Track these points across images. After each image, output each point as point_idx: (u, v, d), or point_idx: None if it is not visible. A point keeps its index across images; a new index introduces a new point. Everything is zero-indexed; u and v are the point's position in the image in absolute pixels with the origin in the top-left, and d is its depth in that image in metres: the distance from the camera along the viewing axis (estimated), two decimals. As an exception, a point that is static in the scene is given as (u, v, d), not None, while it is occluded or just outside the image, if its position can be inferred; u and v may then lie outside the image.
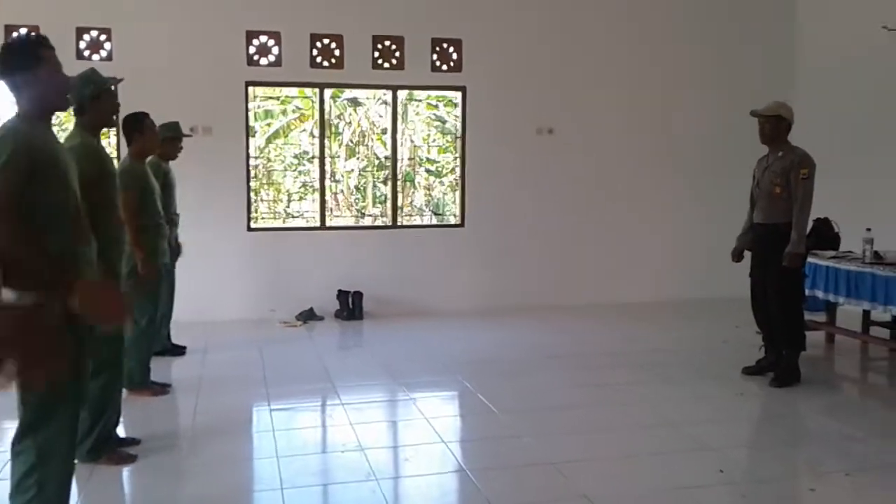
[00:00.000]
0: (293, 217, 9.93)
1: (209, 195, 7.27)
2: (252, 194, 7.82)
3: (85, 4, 7.13)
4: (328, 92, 8.08)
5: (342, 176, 11.39)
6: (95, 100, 3.74)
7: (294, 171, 11.41)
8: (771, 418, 4.93)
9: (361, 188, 11.96)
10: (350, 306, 7.62)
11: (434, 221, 8.65)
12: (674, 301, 8.32)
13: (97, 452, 3.81)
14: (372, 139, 11.78)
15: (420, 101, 10.72)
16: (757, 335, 5.82)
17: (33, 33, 2.93)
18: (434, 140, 11.97)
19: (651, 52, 8.31)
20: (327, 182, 8.14)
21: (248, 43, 7.45)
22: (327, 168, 8.14)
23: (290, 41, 7.50)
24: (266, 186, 7.76)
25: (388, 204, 8.39)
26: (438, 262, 8.02)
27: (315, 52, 7.59)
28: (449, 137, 11.09)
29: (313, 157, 10.31)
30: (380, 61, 7.74)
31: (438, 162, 11.78)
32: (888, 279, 5.41)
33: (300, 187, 11.72)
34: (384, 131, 11.36)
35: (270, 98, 10.04)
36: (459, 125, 8.19)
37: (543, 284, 8.18)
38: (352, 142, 11.93)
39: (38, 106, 2.63)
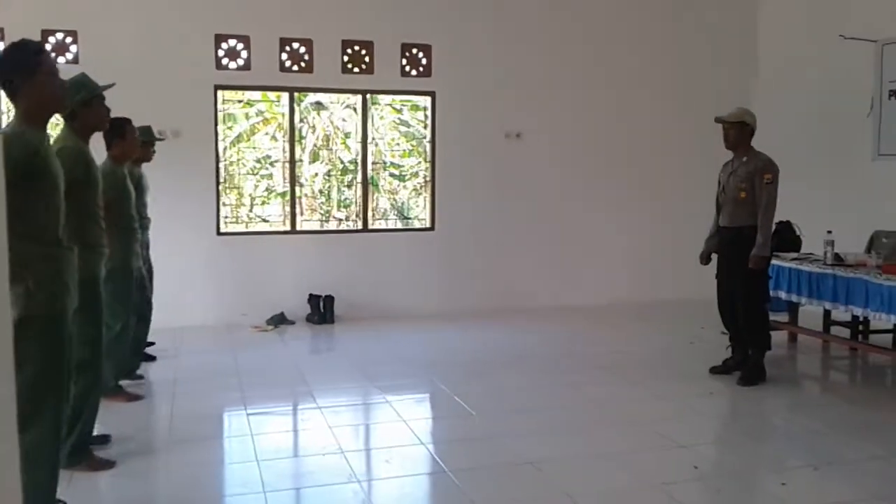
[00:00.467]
0: (262, 221, 9.89)
1: (178, 199, 7.21)
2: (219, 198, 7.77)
3: (51, 6, 7.03)
4: (295, 96, 8.06)
5: (306, 180, 11.38)
6: (86, 105, 3.73)
7: (256, 175, 11.37)
8: (739, 416, 5.07)
9: (326, 192, 11.96)
10: (321, 310, 7.62)
11: (399, 225, 8.68)
12: (641, 303, 8.47)
13: (76, 457, 3.78)
14: (336, 143, 11.78)
15: (382, 105, 10.76)
16: (723, 335, 5.98)
17: (32, 40, 2.92)
18: (398, 144, 12.03)
19: (615, 59, 8.45)
20: (289, 187, 8.10)
21: (217, 46, 7.42)
22: (289, 173, 8.09)
23: (260, 45, 7.49)
24: (228, 191, 7.71)
25: (356, 208, 8.41)
26: (409, 266, 8.07)
27: (284, 56, 7.59)
28: (413, 141, 11.16)
29: (276, 161, 10.30)
30: (349, 66, 7.77)
31: (402, 166, 11.84)
32: (848, 280, 5.60)
33: (263, 191, 11.69)
34: (348, 135, 11.39)
35: (230, 101, 9.99)
36: (423, 129, 8.25)
37: (513, 287, 8.28)
38: (315, 146, 11.91)
39: (36, 111, 2.63)
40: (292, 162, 7.97)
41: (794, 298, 6.19)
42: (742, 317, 5.52)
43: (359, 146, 8.36)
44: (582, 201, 8.46)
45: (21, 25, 6.57)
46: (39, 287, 2.87)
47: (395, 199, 11.27)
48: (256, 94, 9.61)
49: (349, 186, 10.78)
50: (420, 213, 8.73)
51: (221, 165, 7.75)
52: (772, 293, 6.11)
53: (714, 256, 5.77)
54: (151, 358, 6.14)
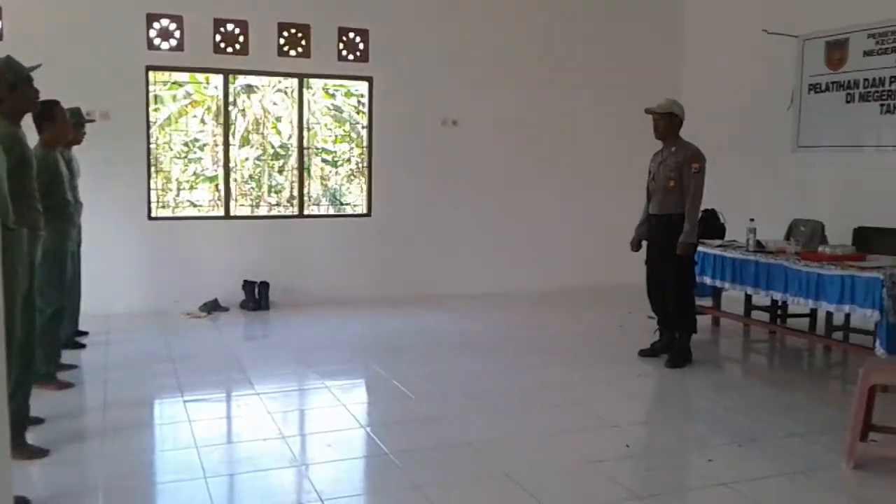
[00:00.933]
0: (190, 206, 9.68)
1: (108, 183, 7.05)
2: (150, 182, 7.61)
3: (-30, -20, 6.76)
4: (221, 78, 7.88)
5: (236, 165, 11.18)
6: (13, 89, 3.63)
7: (184, 159, 11.12)
8: (667, 396, 5.27)
9: (256, 177, 11.79)
10: (256, 297, 7.56)
11: (332, 211, 8.65)
12: (572, 289, 8.68)
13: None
14: (267, 127, 11.62)
15: (315, 89, 10.67)
16: (650, 320, 6.20)
17: None
18: (330, 130, 11.93)
19: (552, 50, 8.59)
20: (223, 171, 7.98)
21: (149, 26, 7.24)
22: (222, 156, 7.97)
23: (193, 26, 7.34)
24: (155, 175, 7.56)
25: (288, 193, 8.35)
26: (346, 252, 8.07)
27: (219, 37, 7.46)
28: (346, 127, 11.09)
29: (205, 145, 10.09)
30: (286, 49, 7.68)
31: (335, 152, 11.76)
32: (769, 266, 5.86)
33: (191, 176, 11.43)
34: (279, 119, 11.24)
35: (158, 82, 9.74)
36: (356, 115, 8.23)
37: (449, 273, 8.37)
38: (247, 130, 11.72)
39: None
40: (226, 146, 7.85)
41: (718, 284, 6.44)
42: (670, 301, 5.73)
43: (291, 131, 8.26)
44: (518, 189, 8.60)
45: (-61, 0, 6.30)
46: None
47: (326, 185, 11.21)
48: (184, 76, 9.40)
49: (280, 172, 10.66)
50: (354, 199, 8.72)
51: (152, 149, 7.57)
52: (698, 279, 6.35)
53: (644, 243, 5.97)
54: (81, 346, 6.01)
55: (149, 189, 7.49)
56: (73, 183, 5.40)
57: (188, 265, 7.52)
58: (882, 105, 6.69)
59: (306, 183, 8.31)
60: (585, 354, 6.06)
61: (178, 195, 10.68)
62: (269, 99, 11.60)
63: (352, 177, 9.11)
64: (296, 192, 8.25)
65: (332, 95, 11.55)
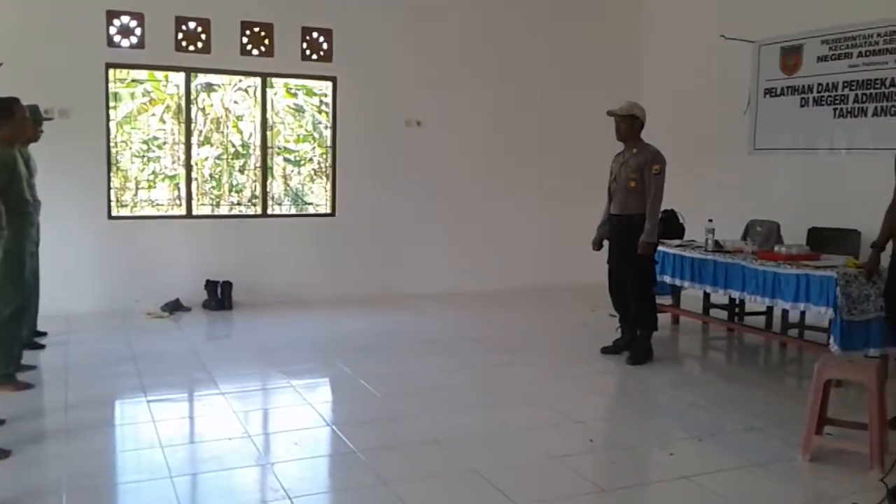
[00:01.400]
0: (152, 205, 9.54)
1: (66, 182, 6.94)
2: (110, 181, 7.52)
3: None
4: (181, 76, 7.81)
5: (196, 164, 11.05)
6: None
7: (142, 157, 10.97)
8: (629, 393, 5.37)
9: (216, 176, 11.67)
10: (219, 296, 7.51)
11: (294, 211, 8.62)
12: (535, 288, 8.77)
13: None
14: (227, 126, 11.52)
15: (277, 88, 10.60)
16: (612, 318, 6.29)
17: None
18: (292, 130, 11.85)
19: (512, 51, 8.67)
20: (182, 170, 7.92)
21: (109, 23, 7.15)
22: (182, 155, 7.92)
23: (154, 23, 7.27)
24: (113, 174, 7.46)
25: (250, 193, 8.30)
26: (309, 252, 8.05)
27: (181, 35, 7.39)
28: (308, 126, 11.04)
29: (164, 144, 9.99)
30: (248, 47, 7.65)
31: (297, 151, 11.68)
32: (727, 265, 5.99)
33: (150, 175, 11.28)
34: (240, 118, 11.15)
35: (116, 80, 9.58)
36: (318, 115, 8.22)
37: (413, 273, 8.39)
38: (208, 129, 11.60)
39: None
40: (188, 145, 7.79)
41: (677, 282, 6.56)
42: (631, 300, 5.83)
43: (252, 130, 8.21)
44: (482, 189, 8.66)
45: None
46: None
47: (288, 185, 11.14)
48: (143, 74, 9.27)
49: (242, 171, 10.57)
50: (316, 199, 8.69)
51: (112, 147, 7.48)
52: (658, 277, 6.46)
53: (606, 243, 6.06)
54: (40, 346, 5.92)
55: (108, 188, 7.39)
56: (30, 182, 5.29)
57: (149, 265, 7.44)
58: (835, 109, 6.88)
59: (270, 183, 8.27)
60: (549, 352, 6.14)
61: (136, 194, 10.53)
62: (229, 97, 11.50)
63: (314, 177, 9.08)
64: (257, 192, 8.21)
65: (294, 94, 11.49)
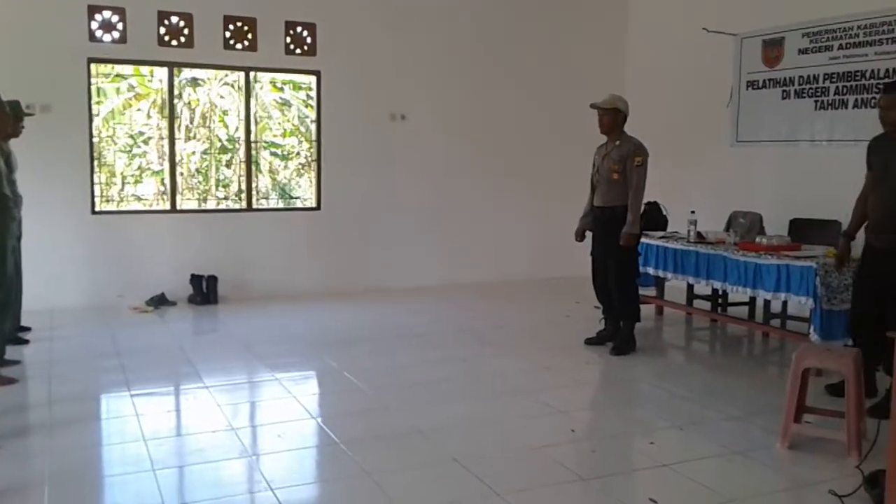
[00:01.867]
0: (137, 200, 9.50)
1: (49, 177, 6.91)
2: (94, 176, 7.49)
3: None
4: (165, 71, 7.78)
5: (182, 158, 11.01)
6: None
7: (128, 152, 10.92)
8: (612, 383, 5.41)
9: (203, 171, 11.64)
10: (204, 291, 7.50)
11: (282, 205, 8.61)
12: (520, 280, 8.81)
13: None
14: (213, 121, 11.49)
15: (263, 83, 10.58)
16: (596, 309, 6.33)
17: None
18: (278, 123, 11.83)
19: (497, 44, 8.68)
20: (167, 164, 7.90)
21: (91, 18, 7.11)
22: (167, 150, 7.89)
23: (136, 18, 7.23)
24: (98, 169, 7.43)
25: (237, 187, 8.29)
26: (295, 246, 8.05)
27: (163, 30, 7.36)
28: (295, 121, 11.01)
29: (150, 139, 9.94)
30: (232, 42, 7.62)
31: (283, 145, 11.66)
32: (709, 256, 6.04)
33: (136, 170, 11.24)
34: (226, 113, 11.12)
35: (100, 75, 9.53)
36: (305, 109, 8.21)
37: (399, 266, 8.41)
38: (192, 123, 11.57)
39: None
40: (172, 139, 7.77)
41: (661, 273, 6.62)
42: (614, 291, 5.87)
43: (238, 124, 8.19)
44: (467, 182, 8.68)
45: None
46: None
47: (275, 179, 11.10)
48: (128, 69, 9.22)
49: (228, 166, 10.54)
50: (303, 193, 8.69)
51: (95, 142, 7.45)
52: (642, 269, 6.51)
53: (589, 234, 6.10)
54: (24, 341, 5.91)
55: (92, 183, 7.37)
56: (10, 177, 5.28)
57: (134, 259, 7.42)
58: (816, 101, 6.93)
59: (256, 177, 8.26)
60: (533, 344, 6.18)
61: (122, 189, 10.49)
62: (215, 92, 11.46)
63: (301, 171, 9.07)
64: (244, 187, 8.19)
65: (281, 89, 11.47)
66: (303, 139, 8.62)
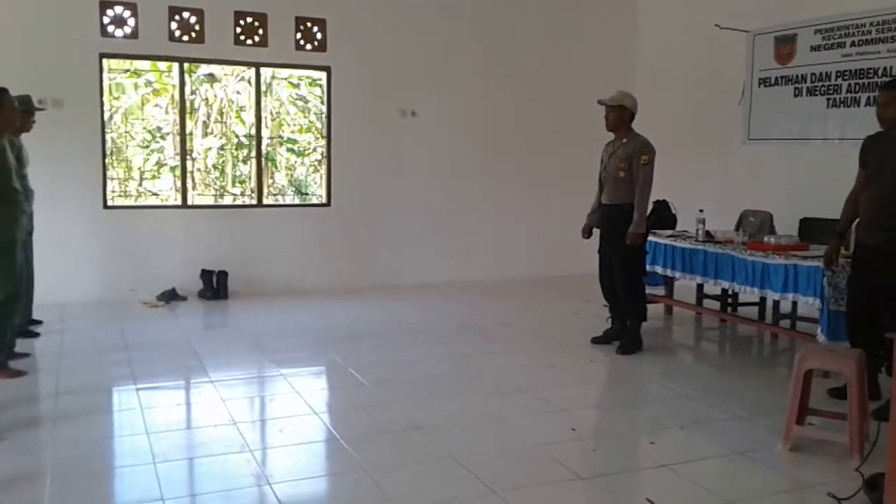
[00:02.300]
0: (151, 195, 9.59)
1: (61, 172, 6.98)
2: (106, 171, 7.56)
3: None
4: (186, 67, 7.88)
5: (199, 154, 11.07)
6: None
7: (146, 147, 11.00)
8: (617, 382, 5.39)
9: (220, 167, 11.70)
10: (214, 286, 7.55)
11: (297, 201, 8.64)
12: (530, 278, 8.79)
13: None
14: (230, 117, 11.55)
15: (282, 79, 10.62)
16: (604, 308, 6.30)
17: None
18: (295, 119, 11.86)
19: (506, 40, 8.66)
20: (180, 160, 7.95)
21: (102, 13, 7.16)
22: (180, 146, 7.95)
23: (147, 13, 7.27)
24: (116, 164, 7.50)
25: (252, 183, 8.33)
26: (304, 242, 8.08)
27: (174, 25, 7.40)
28: (312, 117, 11.04)
29: (167, 134, 10.00)
30: (242, 37, 7.65)
31: (300, 142, 11.69)
32: (717, 255, 6.00)
33: (154, 165, 11.32)
34: (242, 109, 11.17)
35: (117, 70, 9.60)
36: (322, 105, 8.24)
37: (408, 263, 8.42)
38: (209, 119, 11.65)
39: None
40: (182, 135, 7.81)
41: (669, 273, 6.57)
42: (620, 289, 5.84)
43: (254, 120, 8.23)
44: (476, 179, 8.66)
45: None
46: None
47: (292, 176, 11.14)
48: (145, 64, 9.29)
49: (244, 162, 10.58)
50: (319, 190, 8.71)
51: (108, 137, 7.51)
52: (649, 268, 6.47)
53: (596, 231, 6.07)
54: (34, 334, 5.97)
55: (104, 178, 7.43)
56: (22, 171, 5.34)
57: (145, 254, 7.48)
58: (828, 99, 6.86)
59: (272, 173, 8.30)
60: (539, 342, 6.17)
61: (140, 184, 10.57)
62: (231, 88, 11.52)
63: (317, 167, 9.10)
64: (255, 183, 8.23)
65: (297, 85, 11.51)
66: (318, 136, 8.65)
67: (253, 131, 8.24)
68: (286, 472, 3.60)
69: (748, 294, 6.02)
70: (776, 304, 6.14)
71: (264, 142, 8.19)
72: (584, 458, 3.88)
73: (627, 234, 5.62)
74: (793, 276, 5.35)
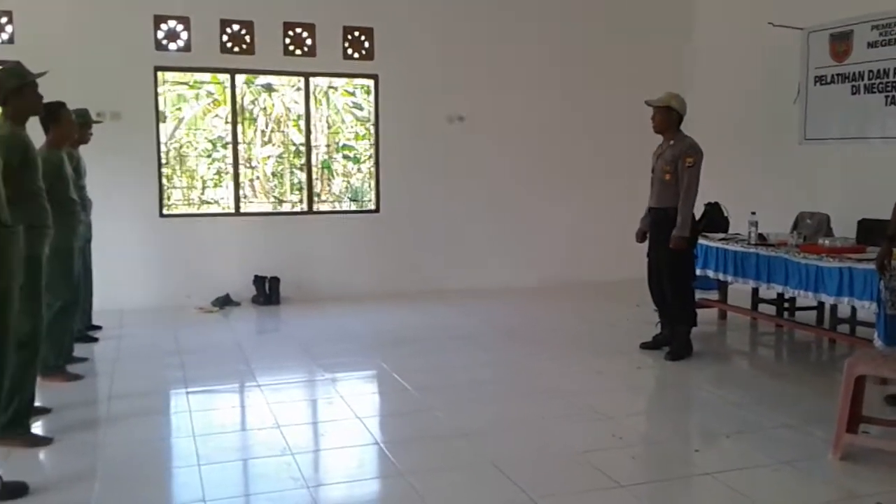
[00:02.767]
0: (209, 203, 9.79)
1: (119, 182, 7.21)
2: (164, 181, 7.78)
3: (-16, -15, 6.94)
4: (241, 78, 8.07)
5: (258, 162, 11.31)
6: (17, 92, 3.87)
7: (208, 157, 11.29)
8: (664, 388, 5.30)
9: (278, 174, 11.91)
10: (267, 292, 7.69)
11: (353, 207, 8.74)
12: (581, 283, 8.70)
13: (13, 430, 3.86)
14: (288, 125, 11.76)
15: (337, 88, 10.76)
16: (655, 313, 6.20)
17: None
18: (350, 127, 12.00)
19: (556, 44, 8.62)
20: (243, 169, 8.16)
21: (156, 27, 7.39)
22: (242, 154, 8.15)
23: (200, 26, 7.48)
24: (179, 173, 7.74)
25: (305, 190, 8.47)
26: (354, 248, 8.17)
27: (225, 37, 7.59)
28: (368, 125, 11.15)
29: (227, 143, 10.25)
30: (291, 48, 7.79)
31: (356, 149, 11.83)
32: (769, 259, 5.85)
33: (215, 174, 11.60)
34: (299, 117, 11.36)
35: (180, 83, 9.87)
36: (372, 112, 8.33)
37: (457, 268, 8.43)
38: (267, 128, 11.87)
39: None
40: (235, 144, 7.99)
41: (721, 277, 6.43)
42: (668, 294, 5.74)
43: (311, 129, 8.36)
44: (525, 184, 8.63)
45: (-46, 5, 6.48)
46: None
47: (349, 183, 11.28)
48: (205, 76, 9.50)
49: (302, 169, 10.77)
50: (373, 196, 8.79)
51: (164, 147, 7.74)
52: (700, 272, 6.35)
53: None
54: (93, 339, 6.17)
55: (160, 187, 7.64)
56: (79, 182, 5.54)
57: (200, 261, 7.67)
58: (887, 96, 6.64)
59: (323, 180, 8.42)
60: (587, 347, 6.10)
61: (203, 193, 10.85)
62: (289, 97, 11.74)
63: (372, 174, 9.19)
64: (317, 189, 8.38)
65: (352, 93, 11.66)
66: (372, 142, 8.75)
67: (310, 139, 8.37)
68: (325, 476, 3.65)
69: (803, 298, 5.85)
70: (833, 308, 5.96)
71: (318, 150, 8.29)
72: (625, 466, 3.81)
73: (671, 238, 5.52)
74: (848, 280, 5.18)
